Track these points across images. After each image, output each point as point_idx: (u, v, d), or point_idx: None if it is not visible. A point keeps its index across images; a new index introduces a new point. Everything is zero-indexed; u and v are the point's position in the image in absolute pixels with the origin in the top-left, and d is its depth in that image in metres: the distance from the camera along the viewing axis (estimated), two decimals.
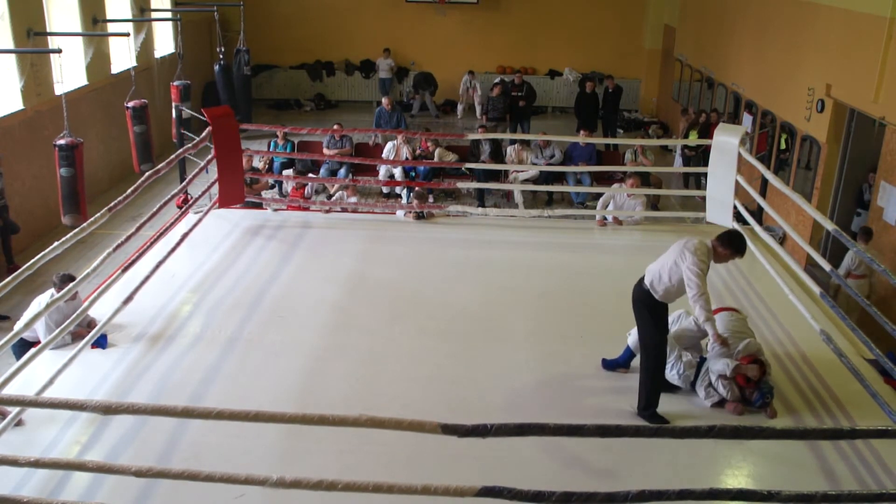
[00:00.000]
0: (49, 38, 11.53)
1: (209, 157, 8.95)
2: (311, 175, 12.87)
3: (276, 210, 9.65)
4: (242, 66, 17.11)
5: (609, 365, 6.10)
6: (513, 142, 13.27)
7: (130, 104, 11.21)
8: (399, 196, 12.67)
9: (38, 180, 11.52)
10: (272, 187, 12.83)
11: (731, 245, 5.43)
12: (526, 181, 12.79)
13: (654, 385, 5.45)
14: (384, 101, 15.26)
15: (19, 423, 5.09)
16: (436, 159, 12.72)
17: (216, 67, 16.79)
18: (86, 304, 6.06)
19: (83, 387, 5.65)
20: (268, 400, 5.52)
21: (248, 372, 6.03)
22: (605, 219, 9.35)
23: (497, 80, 17.87)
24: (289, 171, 13.12)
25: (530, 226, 9.39)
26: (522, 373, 6.14)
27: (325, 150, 13.21)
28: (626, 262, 8.40)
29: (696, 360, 5.77)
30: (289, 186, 12.61)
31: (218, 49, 16.62)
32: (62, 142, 8.91)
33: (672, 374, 5.73)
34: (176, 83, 13.20)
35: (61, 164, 8.91)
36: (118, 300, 6.45)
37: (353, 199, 11.07)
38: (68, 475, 4.69)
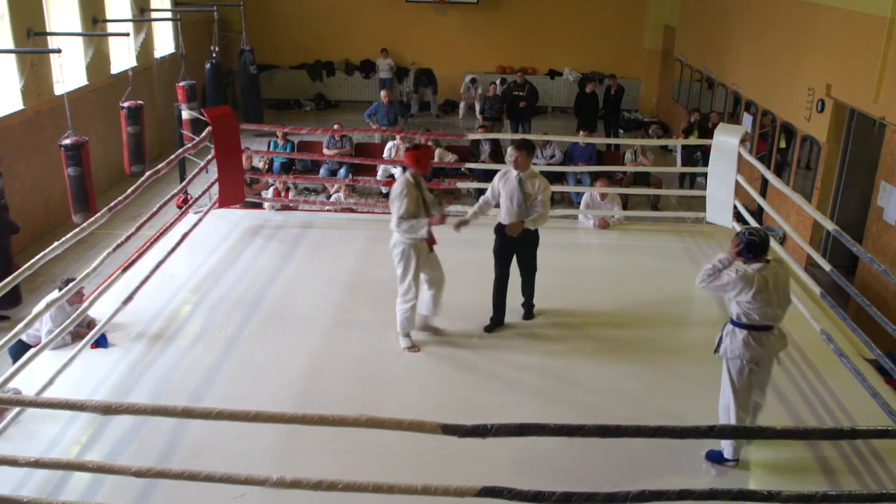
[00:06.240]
0: (49, 38, 11.53)
1: (209, 157, 8.95)
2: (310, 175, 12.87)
3: (274, 209, 9.63)
4: (248, 65, 17.10)
5: None
6: (513, 142, 13.21)
7: (125, 104, 11.19)
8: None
9: (38, 180, 11.52)
10: (272, 186, 12.81)
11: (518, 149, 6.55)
12: None
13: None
14: (382, 94, 15.21)
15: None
16: (436, 159, 12.71)
17: (207, 66, 16.78)
18: (86, 304, 6.06)
19: (83, 387, 5.65)
20: (268, 400, 5.52)
21: (248, 372, 6.03)
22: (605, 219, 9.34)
23: (496, 80, 17.84)
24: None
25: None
26: (522, 373, 6.14)
27: (325, 150, 13.21)
28: (626, 261, 8.43)
29: None
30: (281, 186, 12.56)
31: (212, 48, 16.62)
32: (67, 141, 8.91)
33: None
34: (182, 84, 13.20)
35: (68, 164, 8.93)
36: (118, 300, 6.45)
37: (352, 200, 11.07)
38: (68, 475, 4.70)
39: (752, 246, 4.83)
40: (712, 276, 4.89)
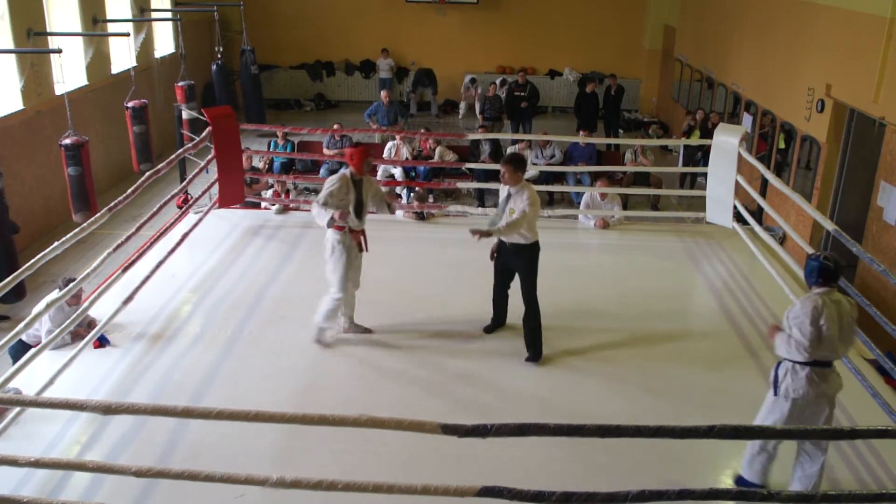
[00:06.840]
0: (49, 38, 11.53)
1: (209, 157, 8.96)
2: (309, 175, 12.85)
3: (274, 209, 9.63)
4: (249, 65, 17.10)
5: None
6: (514, 142, 13.22)
7: (130, 104, 11.21)
8: (399, 196, 12.66)
9: (38, 180, 11.53)
10: (272, 187, 12.82)
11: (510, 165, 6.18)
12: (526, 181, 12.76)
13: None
14: (382, 94, 15.24)
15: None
16: (436, 158, 12.72)
17: (213, 67, 16.78)
18: (86, 304, 6.06)
19: (83, 387, 5.66)
20: (268, 400, 5.52)
21: (248, 372, 6.03)
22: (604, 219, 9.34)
23: (496, 80, 17.79)
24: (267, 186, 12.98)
25: None
26: (522, 373, 6.14)
27: (325, 150, 13.21)
28: (626, 261, 8.43)
29: None
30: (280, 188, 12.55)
31: (216, 49, 16.62)
32: (68, 141, 8.92)
33: None
34: (181, 84, 13.20)
35: (69, 164, 8.93)
36: (118, 300, 6.46)
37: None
38: (68, 475, 4.70)
39: (826, 272, 4.48)
40: (792, 338, 4.46)
